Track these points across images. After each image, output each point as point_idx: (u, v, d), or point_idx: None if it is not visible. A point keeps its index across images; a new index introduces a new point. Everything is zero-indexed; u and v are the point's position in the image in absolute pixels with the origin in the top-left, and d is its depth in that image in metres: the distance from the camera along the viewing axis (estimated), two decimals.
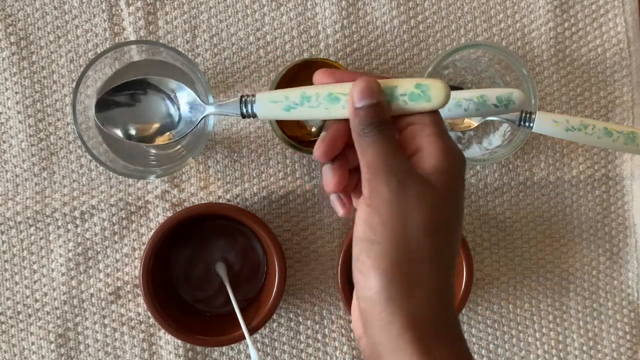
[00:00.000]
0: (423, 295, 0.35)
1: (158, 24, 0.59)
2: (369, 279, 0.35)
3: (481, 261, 0.62)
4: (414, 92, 0.38)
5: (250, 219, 0.54)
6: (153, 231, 0.55)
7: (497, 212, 0.62)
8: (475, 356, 0.61)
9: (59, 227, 0.59)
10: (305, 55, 0.60)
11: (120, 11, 0.59)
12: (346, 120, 0.39)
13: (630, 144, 0.52)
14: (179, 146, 0.59)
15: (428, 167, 0.36)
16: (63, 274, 0.59)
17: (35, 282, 0.59)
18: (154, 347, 0.60)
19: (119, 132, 0.48)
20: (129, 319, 0.60)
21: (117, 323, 0.60)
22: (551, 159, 0.62)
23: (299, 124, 0.58)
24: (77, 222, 0.59)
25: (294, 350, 0.61)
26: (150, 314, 0.55)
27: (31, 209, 0.59)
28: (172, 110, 0.48)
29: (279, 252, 0.55)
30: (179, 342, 0.59)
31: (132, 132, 0.48)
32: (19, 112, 0.59)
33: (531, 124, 0.53)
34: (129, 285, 0.60)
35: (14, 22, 0.59)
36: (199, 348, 0.60)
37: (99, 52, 0.59)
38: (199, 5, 0.60)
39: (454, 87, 0.60)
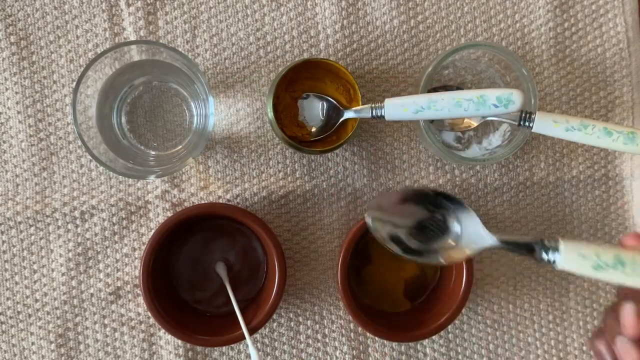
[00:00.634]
0: None
1: (158, 24, 0.59)
2: None
3: (481, 261, 0.62)
4: None
5: (250, 219, 0.54)
6: (153, 231, 0.55)
7: (497, 212, 0.62)
8: (475, 356, 0.61)
9: (59, 227, 0.59)
10: (305, 55, 0.60)
11: (120, 11, 0.59)
12: None
13: (630, 144, 0.52)
14: (179, 146, 0.59)
15: None
16: (63, 274, 0.59)
17: (35, 282, 0.59)
18: (154, 347, 0.60)
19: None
20: (129, 319, 0.60)
21: (117, 323, 0.60)
22: (551, 159, 0.62)
23: (299, 124, 0.58)
24: (77, 222, 0.59)
25: (294, 350, 0.61)
26: (150, 314, 0.55)
27: (31, 209, 0.59)
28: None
29: (279, 252, 0.55)
30: (179, 342, 0.59)
31: None
32: (19, 112, 0.59)
33: (531, 124, 0.53)
34: (129, 285, 0.60)
35: (14, 22, 0.59)
36: (199, 348, 0.60)
37: (99, 52, 0.59)
38: (199, 5, 0.60)
39: (454, 87, 0.60)
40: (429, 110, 0.51)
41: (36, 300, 0.59)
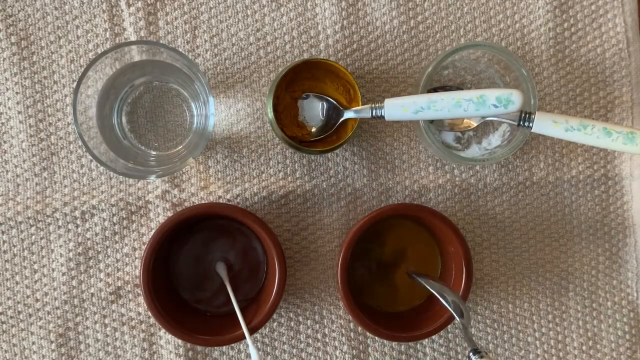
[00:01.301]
0: None
1: (158, 24, 0.60)
2: None
3: (480, 261, 0.62)
4: None
5: (251, 219, 0.55)
6: (153, 231, 0.55)
7: (497, 212, 0.62)
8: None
9: (59, 227, 0.59)
10: (305, 56, 0.60)
11: (120, 11, 0.59)
12: None
13: (630, 144, 0.52)
14: (180, 146, 0.59)
15: None
16: (63, 274, 0.59)
17: (35, 282, 0.59)
18: (154, 346, 0.60)
19: None
20: (130, 319, 0.60)
21: (117, 323, 0.60)
22: (550, 159, 0.62)
23: (299, 124, 0.58)
24: (78, 222, 0.59)
25: (294, 350, 0.61)
26: (150, 314, 0.55)
27: (32, 209, 0.59)
28: None
29: (279, 252, 0.55)
30: (179, 341, 0.59)
31: None
32: (19, 112, 0.59)
33: (530, 124, 0.53)
34: (129, 285, 0.60)
35: (14, 23, 0.59)
36: (199, 348, 0.60)
37: (99, 52, 0.59)
38: (199, 5, 0.60)
39: (453, 88, 0.60)
40: (428, 110, 0.51)
41: (37, 300, 0.59)
